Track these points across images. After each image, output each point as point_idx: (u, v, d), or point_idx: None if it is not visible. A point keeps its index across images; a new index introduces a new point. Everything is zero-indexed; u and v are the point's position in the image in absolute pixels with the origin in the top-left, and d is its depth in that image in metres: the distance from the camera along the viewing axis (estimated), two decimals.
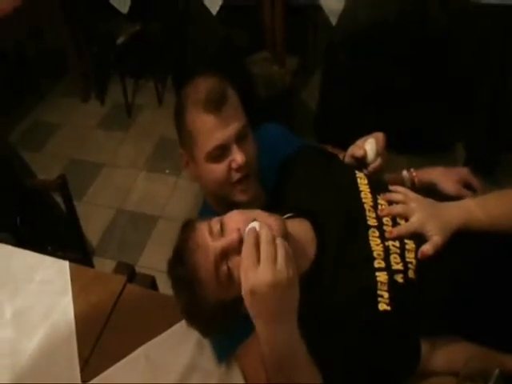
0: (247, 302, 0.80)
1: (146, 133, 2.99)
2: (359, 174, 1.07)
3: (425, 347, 0.92)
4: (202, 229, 0.91)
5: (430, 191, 1.10)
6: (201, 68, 2.40)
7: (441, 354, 0.93)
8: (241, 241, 0.85)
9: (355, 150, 1.12)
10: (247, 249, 0.80)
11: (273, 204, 1.13)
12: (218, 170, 1.06)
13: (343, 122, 2.47)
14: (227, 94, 1.05)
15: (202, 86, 1.05)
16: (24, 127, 3.11)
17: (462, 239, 0.92)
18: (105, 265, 2.27)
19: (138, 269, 2.22)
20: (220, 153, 1.05)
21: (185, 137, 1.09)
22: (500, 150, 2.41)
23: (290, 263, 0.79)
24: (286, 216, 1.04)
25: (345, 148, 2.47)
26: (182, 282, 0.90)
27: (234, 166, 1.05)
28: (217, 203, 1.17)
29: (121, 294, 1.19)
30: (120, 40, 2.87)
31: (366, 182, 1.05)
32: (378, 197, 1.01)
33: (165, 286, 1.00)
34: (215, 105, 1.02)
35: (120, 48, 2.91)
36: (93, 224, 2.48)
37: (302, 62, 3.09)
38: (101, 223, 2.50)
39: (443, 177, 1.13)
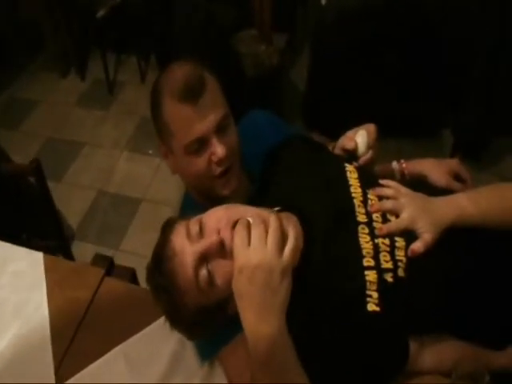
0: (234, 280, 0.78)
1: (128, 111, 2.89)
2: (349, 167, 1.02)
3: (413, 346, 0.89)
4: (180, 231, 0.86)
5: (420, 183, 1.08)
6: (185, 45, 2.32)
7: (429, 353, 0.90)
8: (221, 243, 0.81)
9: (346, 141, 1.07)
10: (240, 230, 0.80)
11: (258, 195, 1.08)
12: (198, 163, 0.99)
13: (332, 103, 2.43)
14: (205, 81, 0.97)
15: (178, 74, 0.98)
16: None
17: (453, 236, 0.89)
18: (85, 250, 2.21)
19: (119, 253, 2.22)
20: (199, 146, 0.98)
21: (162, 128, 1.01)
22: (489, 135, 2.39)
23: (291, 252, 0.80)
24: (273, 210, 0.99)
25: (333, 134, 2.44)
26: (161, 289, 0.86)
27: (214, 159, 0.99)
28: (199, 196, 1.11)
29: (98, 288, 1.13)
30: (100, 13, 2.74)
31: (355, 175, 1.00)
32: (368, 191, 0.97)
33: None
34: (192, 94, 0.95)
35: (100, 21, 2.78)
36: (73, 206, 2.41)
37: (290, 39, 3.00)
38: (81, 205, 2.42)
39: (433, 168, 1.09)
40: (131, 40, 2.99)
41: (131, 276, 1.19)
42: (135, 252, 2.18)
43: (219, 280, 0.82)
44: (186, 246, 0.83)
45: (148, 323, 1.07)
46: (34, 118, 2.91)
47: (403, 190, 0.94)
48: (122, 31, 3.01)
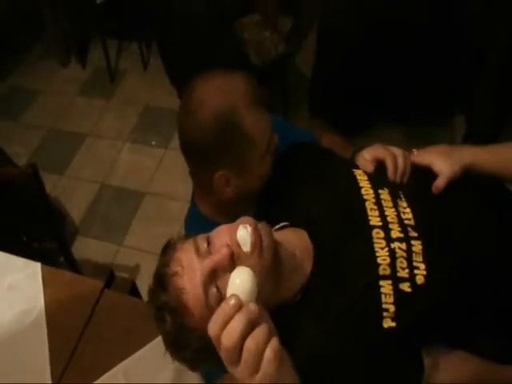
0: None
1: (131, 100, 2.83)
2: (357, 171, 0.97)
3: (427, 362, 0.84)
4: (187, 248, 0.81)
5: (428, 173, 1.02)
6: (185, 32, 2.24)
7: (443, 369, 0.86)
8: (232, 256, 0.76)
9: (364, 164, 1.00)
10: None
11: (266, 203, 1.05)
12: (269, 159, 0.99)
13: (339, 90, 2.35)
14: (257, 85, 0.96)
15: (242, 87, 0.92)
16: None
17: (470, 235, 0.88)
18: (89, 245, 2.18)
19: (123, 249, 2.19)
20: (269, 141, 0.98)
21: (239, 147, 0.93)
22: (503, 122, 2.31)
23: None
24: (279, 225, 0.94)
25: (339, 123, 2.36)
26: (165, 310, 0.79)
27: (272, 147, 0.98)
28: (213, 212, 1.05)
29: (98, 301, 1.09)
30: None
31: (365, 177, 0.96)
32: (381, 192, 0.92)
33: (151, 275, 0.86)
34: (260, 99, 0.93)
35: (101, 7, 2.69)
36: (76, 200, 2.37)
37: (295, 23, 2.91)
38: (84, 199, 2.39)
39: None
40: (132, 27, 2.91)
41: (131, 288, 1.15)
42: (139, 247, 2.15)
43: None
44: (194, 262, 0.78)
45: (149, 338, 1.04)
46: (35, 108, 2.86)
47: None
48: (122, 18, 2.93)
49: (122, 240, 2.21)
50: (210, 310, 0.76)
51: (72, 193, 2.41)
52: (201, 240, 0.81)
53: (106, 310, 1.09)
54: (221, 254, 0.77)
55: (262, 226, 0.79)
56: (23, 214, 1.46)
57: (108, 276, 1.14)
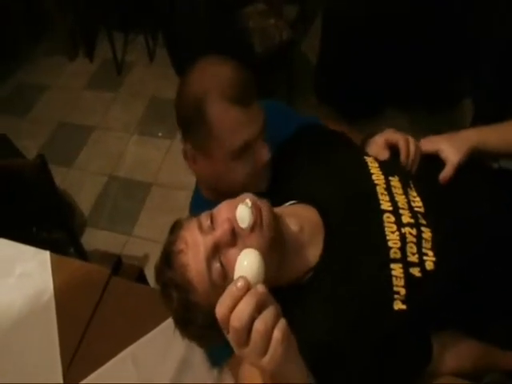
0: None
1: (137, 92, 2.84)
2: (368, 158, 0.97)
3: (436, 347, 0.85)
4: (191, 226, 0.83)
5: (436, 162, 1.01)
6: (188, 22, 2.24)
7: (449, 352, 0.87)
8: (233, 231, 0.77)
9: (378, 151, 1.00)
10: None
11: (273, 187, 1.03)
12: (241, 169, 0.95)
13: (344, 76, 2.33)
14: (253, 84, 0.93)
15: (226, 74, 0.92)
16: (7, 91, 2.95)
17: (478, 221, 0.87)
18: (98, 237, 2.20)
19: (132, 239, 2.21)
20: (244, 150, 0.93)
21: (201, 130, 0.93)
22: (510, 102, 2.28)
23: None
24: (289, 203, 0.95)
25: (345, 108, 2.34)
26: (171, 286, 0.81)
27: (261, 162, 0.95)
28: (213, 194, 1.05)
29: (105, 288, 1.11)
30: None
31: (376, 164, 0.95)
32: (391, 178, 0.92)
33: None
34: (248, 98, 0.90)
35: (106, 0, 2.71)
36: (84, 192, 2.39)
37: (301, 10, 2.89)
38: (92, 191, 2.40)
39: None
40: (138, 19, 2.92)
41: (138, 275, 1.16)
42: (148, 237, 2.17)
43: (232, 273, 0.78)
44: (198, 239, 0.80)
45: (156, 323, 1.05)
46: (43, 102, 2.88)
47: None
48: (128, 10, 2.93)
49: (130, 230, 2.23)
50: (213, 285, 0.78)
51: (80, 185, 2.43)
52: (204, 217, 0.82)
53: (114, 296, 1.10)
54: (222, 228, 0.77)
55: (262, 202, 0.79)
56: (33, 205, 1.48)
57: (115, 263, 1.16)
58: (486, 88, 2.24)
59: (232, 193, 0.86)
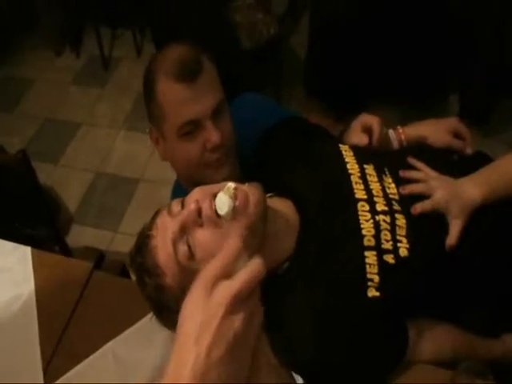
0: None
1: (125, 88, 2.81)
2: (343, 146, 0.99)
3: (411, 333, 0.86)
4: (163, 212, 0.83)
5: (420, 149, 1.04)
6: (176, 16, 2.23)
7: (428, 340, 0.88)
8: (198, 211, 0.77)
9: (355, 139, 1.03)
10: None
11: (251, 179, 1.03)
12: (191, 149, 0.96)
13: (333, 70, 2.34)
14: (202, 63, 0.94)
15: (175, 54, 0.94)
16: None
17: None
18: (84, 233, 2.18)
19: (118, 236, 2.19)
20: (192, 129, 0.94)
21: (154, 109, 0.97)
22: (498, 97, 2.29)
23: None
24: (267, 195, 0.94)
25: (334, 101, 2.34)
26: (143, 271, 0.82)
27: (208, 146, 0.95)
28: (188, 183, 1.06)
29: (87, 282, 1.09)
30: None
31: (351, 153, 0.97)
32: (366, 167, 0.93)
33: None
34: (189, 74, 0.92)
35: None
36: (71, 189, 2.38)
37: (290, 5, 2.88)
38: (79, 188, 2.39)
39: (432, 129, 1.07)
40: (126, 13, 2.89)
41: (121, 269, 1.15)
42: (134, 234, 2.11)
43: (199, 253, 0.77)
44: (167, 222, 0.80)
45: (138, 318, 1.03)
46: (29, 97, 2.85)
47: (432, 172, 0.93)
48: (115, 4, 2.90)
49: (117, 227, 2.21)
50: (180, 266, 0.78)
51: (67, 182, 2.41)
52: (175, 203, 0.82)
53: (95, 291, 1.09)
54: (189, 209, 0.77)
55: (250, 185, 0.80)
56: (14, 200, 1.46)
57: (98, 258, 1.14)
58: (473, 82, 2.26)
59: (206, 182, 0.86)
